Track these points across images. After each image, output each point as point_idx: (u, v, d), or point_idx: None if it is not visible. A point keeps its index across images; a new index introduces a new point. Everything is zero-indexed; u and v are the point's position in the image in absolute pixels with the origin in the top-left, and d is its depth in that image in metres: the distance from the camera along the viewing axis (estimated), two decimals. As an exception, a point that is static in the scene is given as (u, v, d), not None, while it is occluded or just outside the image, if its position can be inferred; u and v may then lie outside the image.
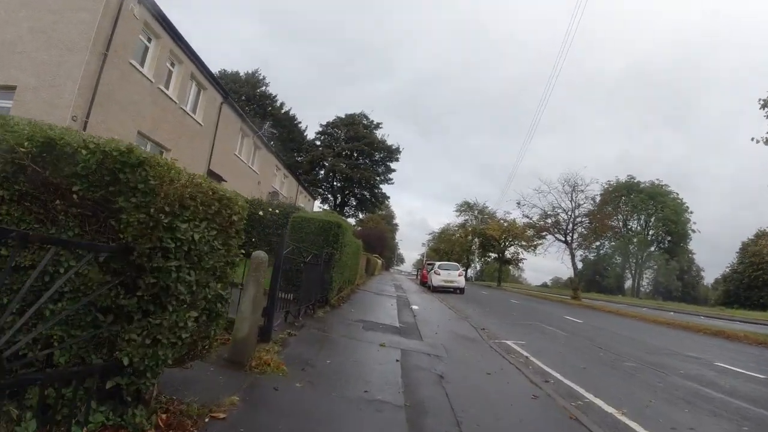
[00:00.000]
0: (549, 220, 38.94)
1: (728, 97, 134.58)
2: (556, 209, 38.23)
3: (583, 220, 37.27)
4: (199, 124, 21.42)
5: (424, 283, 34.58)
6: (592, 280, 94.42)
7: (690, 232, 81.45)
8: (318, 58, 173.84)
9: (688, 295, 79.37)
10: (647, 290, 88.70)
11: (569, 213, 37.61)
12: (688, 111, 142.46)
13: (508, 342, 10.37)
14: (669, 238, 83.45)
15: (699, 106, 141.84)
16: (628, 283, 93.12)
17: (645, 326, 18.35)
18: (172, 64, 19.28)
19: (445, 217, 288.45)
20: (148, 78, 17.12)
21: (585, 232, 38.53)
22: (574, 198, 37.64)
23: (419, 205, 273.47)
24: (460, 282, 28.03)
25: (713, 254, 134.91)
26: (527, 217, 40.36)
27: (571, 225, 37.58)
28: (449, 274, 28.05)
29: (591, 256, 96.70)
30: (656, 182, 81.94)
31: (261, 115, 61.46)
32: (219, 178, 23.55)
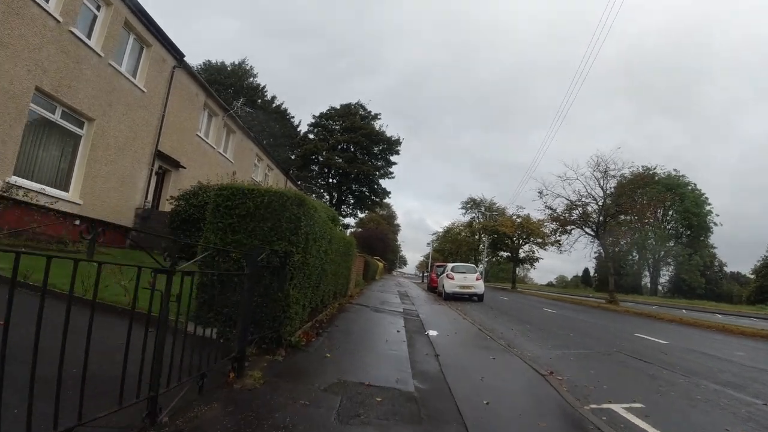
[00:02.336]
0: (576, 212, 33.83)
1: (730, 83, 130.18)
2: (583, 198, 33.21)
3: (616, 210, 32.08)
4: (141, 90, 16.43)
5: (433, 289, 29.48)
6: (608, 279, 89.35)
7: (711, 225, 76.37)
8: (303, 56, 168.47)
9: (712, 292, 74.33)
10: (666, 288, 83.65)
11: (599, 202, 32.50)
12: (687, 99, 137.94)
13: (616, 409, 5.39)
14: (688, 232, 78.37)
15: (699, 93, 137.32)
16: (644, 281, 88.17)
17: (752, 344, 13.27)
18: (98, 7, 14.31)
19: (442, 216, 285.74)
20: (53, 16, 12.20)
21: (620, 224, 33.45)
22: (604, 185, 32.62)
23: (417, 206, 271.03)
24: (479, 287, 22.96)
25: (727, 248, 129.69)
26: (550, 208, 35.18)
27: (601, 217, 32.45)
28: (465, 278, 22.96)
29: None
30: (673, 173, 76.88)
31: (253, 113, 56.75)
32: (174, 163, 18.49)
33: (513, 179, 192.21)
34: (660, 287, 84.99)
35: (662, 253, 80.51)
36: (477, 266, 59.20)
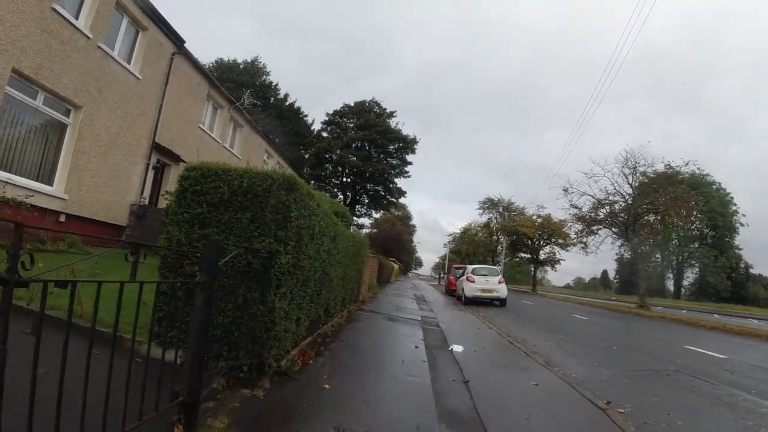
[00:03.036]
0: (603, 210, 31.96)
1: (742, 81, 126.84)
2: (611, 196, 31.37)
3: (648, 208, 30.15)
4: (136, 77, 15.13)
5: (452, 292, 27.87)
6: (629, 281, 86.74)
7: (738, 225, 73.63)
8: (313, 56, 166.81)
9: (737, 295, 71.75)
10: (690, 290, 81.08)
11: (629, 200, 30.61)
12: (704, 97, 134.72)
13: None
14: (713, 233, 75.68)
15: (711, 91, 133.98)
16: (667, 283, 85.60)
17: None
18: (85, -17, 13.03)
19: (456, 217, 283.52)
20: (30, -10, 10.95)
21: (649, 224, 31.59)
22: (633, 182, 30.75)
23: (430, 206, 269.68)
24: (501, 291, 21.37)
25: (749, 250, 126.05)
26: (575, 207, 33.30)
27: (630, 216, 30.57)
28: (487, 282, 21.37)
29: (627, 254, 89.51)
30: (697, 172, 74.18)
31: (262, 107, 55.63)
32: (174, 157, 17.20)
33: (529, 179, 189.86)
34: (683, 290, 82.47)
35: (686, 254, 78.00)
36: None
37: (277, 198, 4.58)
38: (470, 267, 23.47)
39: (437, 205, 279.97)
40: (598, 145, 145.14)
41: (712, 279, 69.73)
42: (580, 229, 34.76)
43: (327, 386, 4.90)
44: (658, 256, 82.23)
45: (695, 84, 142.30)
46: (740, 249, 76.55)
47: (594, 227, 33.28)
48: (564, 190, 32.93)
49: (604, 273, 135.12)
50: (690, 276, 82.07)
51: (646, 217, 32.55)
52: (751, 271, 78.22)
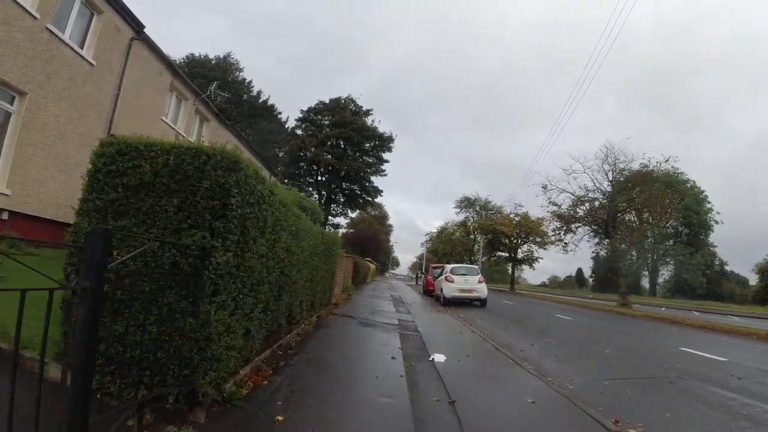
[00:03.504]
0: (582, 208, 31.42)
1: (713, 79, 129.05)
2: (590, 193, 30.84)
3: (627, 205, 29.68)
4: (89, 63, 13.90)
5: (430, 293, 26.95)
6: (606, 279, 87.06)
7: (713, 222, 74.31)
8: (285, 55, 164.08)
9: (713, 292, 72.45)
10: (665, 288, 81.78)
11: (608, 197, 30.10)
12: (668, 94, 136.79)
13: None
14: (688, 231, 76.31)
15: (681, 88, 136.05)
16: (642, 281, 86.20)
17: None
18: (26, -43, 11.78)
19: (432, 217, 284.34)
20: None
21: (627, 223, 31.20)
22: (614, 178, 30.27)
23: (406, 207, 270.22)
24: (482, 291, 20.57)
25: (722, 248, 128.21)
26: (554, 204, 32.71)
27: (610, 214, 30.06)
28: (466, 281, 20.54)
29: (603, 253, 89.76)
30: (670, 170, 74.73)
31: (235, 104, 54.23)
32: (131, 150, 15.81)
33: (504, 178, 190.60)
34: (658, 287, 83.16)
35: (661, 252, 78.62)
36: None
37: (214, 179, 3.59)
38: (449, 266, 22.59)
39: (413, 206, 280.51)
40: (573, 143, 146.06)
41: (688, 276, 70.24)
42: (559, 226, 34.25)
43: (280, 417, 3.89)
44: (633, 253, 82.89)
45: (665, 82, 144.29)
46: (715, 246, 77.36)
47: (573, 225, 32.78)
48: (543, 187, 32.38)
49: (579, 271, 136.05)
50: (665, 273, 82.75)
51: (624, 215, 32.18)
52: (726, 268, 79.19)
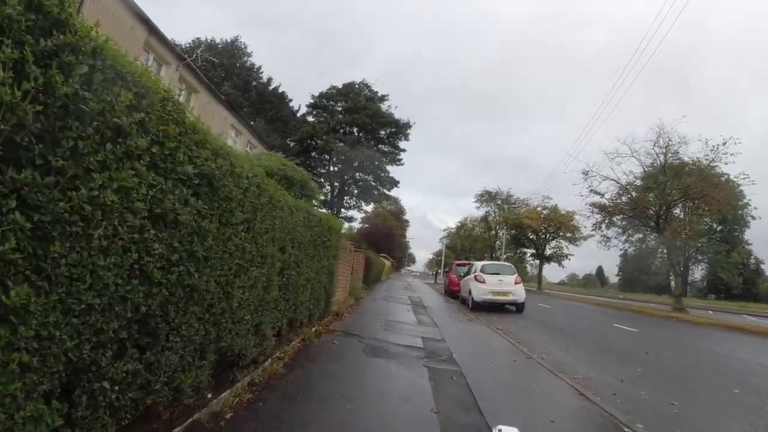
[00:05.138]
0: (626, 197, 27.42)
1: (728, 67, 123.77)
2: (637, 181, 27.00)
3: (685, 194, 25.68)
4: None
5: (453, 293, 23.35)
6: (634, 279, 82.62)
7: (749, 219, 69.44)
8: (283, 47, 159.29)
9: (748, 292, 67.91)
10: (698, 288, 77.27)
11: (659, 186, 26.17)
12: (684, 82, 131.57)
13: None
14: (721, 227, 71.57)
15: (697, 77, 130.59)
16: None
17: None
18: None
19: (444, 212, 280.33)
20: None
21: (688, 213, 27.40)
22: (666, 164, 26.35)
23: (418, 201, 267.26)
24: (518, 294, 17.04)
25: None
26: (596, 193, 28.76)
27: (663, 204, 26.19)
28: (500, 282, 17.00)
29: (631, 250, 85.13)
30: (704, 161, 70.10)
31: (242, 90, 51.07)
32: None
33: (515, 172, 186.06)
34: (689, 287, 78.58)
35: (693, 249, 74.07)
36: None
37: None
38: (478, 264, 18.95)
39: (424, 200, 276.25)
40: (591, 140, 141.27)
41: (724, 275, 65.68)
42: (600, 219, 30.27)
43: None
44: (663, 251, 78.36)
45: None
46: (750, 244, 72.61)
47: (615, 218, 28.86)
48: (584, 173, 28.13)
49: (599, 269, 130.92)
50: (696, 272, 78.24)
51: (675, 207, 28.38)
52: (763, 266, 74.48)
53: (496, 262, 21.14)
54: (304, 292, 6.57)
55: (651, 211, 26.88)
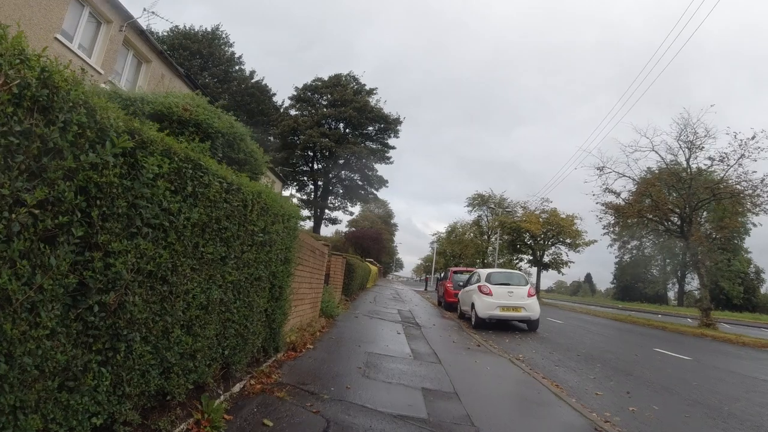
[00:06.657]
0: (648, 200, 24.38)
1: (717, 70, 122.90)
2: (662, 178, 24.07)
3: (713, 195, 22.85)
4: None
5: (450, 306, 20.11)
6: (630, 287, 79.83)
7: (750, 225, 67.09)
8: (270, 44, 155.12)
9: (749, 303, 65.58)
10: (693, 297, 74.78)
11: (687, 185, 23.24)
12: (672, 85, 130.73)
13: None
14: (718, 236, 69.24)
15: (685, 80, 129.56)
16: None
17: None
18: None
19: (429, 218, 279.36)
20: None
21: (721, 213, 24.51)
22: (690, 160, 23.52)
23: (403, 207, 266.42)
24: (533, 309, 13.96)
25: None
26: (611, 191, 25.80)
27: (689, 207, 23.24)
28: (511, 295, 13.87)
29: (627, 258, 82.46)
30: (703, 167, 67.70)
31: (222, 80, 47.80)
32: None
33: (502, 177, 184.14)
34: (685, 296, 76.09)
35: (691, 257, 71.80)
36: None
37: None
38: (483, 272, 15.69)
39: (409, 206, 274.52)
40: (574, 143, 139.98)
41: (726, 285, 63.10)
42: (613, 222, 27.13)
43: None
44: (658, 259, 75.83)
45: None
46: (750, 252, 70.30)
47: (630, 220, 25.78)
48: (598, 169, 24.93)
49: (588, 276, 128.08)
50: (693, 282, 75.79)
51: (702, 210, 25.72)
52: (763, 275, 72.28)
53: (504, 270, 17.95)
54: (204, 327, 3.37)
55: (674, 215, 24.03)
